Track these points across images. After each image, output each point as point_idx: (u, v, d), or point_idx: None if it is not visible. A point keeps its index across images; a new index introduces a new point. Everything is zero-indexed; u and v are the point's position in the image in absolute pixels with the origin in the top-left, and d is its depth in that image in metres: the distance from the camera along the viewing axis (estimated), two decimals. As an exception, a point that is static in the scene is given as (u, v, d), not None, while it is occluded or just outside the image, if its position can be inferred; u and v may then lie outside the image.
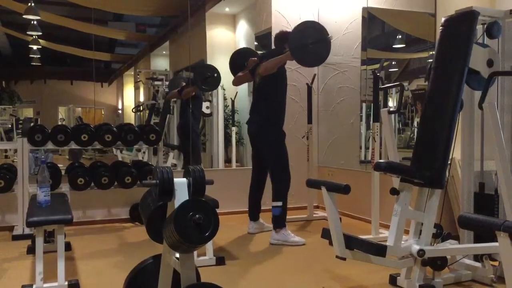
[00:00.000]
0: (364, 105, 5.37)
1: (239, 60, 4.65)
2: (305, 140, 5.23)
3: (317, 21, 4.10)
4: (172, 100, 6.43)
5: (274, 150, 4.17)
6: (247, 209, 4.47)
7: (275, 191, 4.10)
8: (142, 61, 7.54)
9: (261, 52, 5.04)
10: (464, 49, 2.73)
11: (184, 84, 5.79)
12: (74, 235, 4.25)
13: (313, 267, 3.39)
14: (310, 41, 3.85)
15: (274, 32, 5.57)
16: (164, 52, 7.37)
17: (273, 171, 4.18)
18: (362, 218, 4.90)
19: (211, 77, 5.10)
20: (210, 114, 6.26)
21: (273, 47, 4.52)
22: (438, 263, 2.70)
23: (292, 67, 5.62)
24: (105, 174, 4.61)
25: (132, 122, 6.80)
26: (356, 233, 2.91)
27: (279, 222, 4.04)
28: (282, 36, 4.29)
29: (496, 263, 2.89)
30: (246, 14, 6.59)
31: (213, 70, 5.17)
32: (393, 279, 2.90)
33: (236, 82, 4.73)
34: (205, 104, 6.17)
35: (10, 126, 6.36)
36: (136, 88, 7.33)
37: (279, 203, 4.03)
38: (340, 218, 2.66)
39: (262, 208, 4.47)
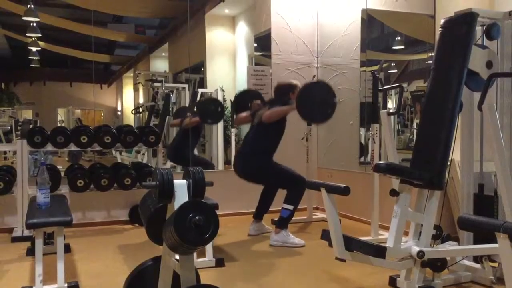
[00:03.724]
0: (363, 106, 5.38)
1: (243, 100, 4.71)
2: (305, 142, 5.23)
3: (327, 82, 4.19)
4: (172, 101, 6.44)
5: (268, 174, 4.21)
6: (247, 211, 4.47)
7: (289, 196, 4.12)
8: (141, 62, 7.55)
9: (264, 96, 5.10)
10: (464, 50, 2.74)
11: (189, 114, 5.78)
12: (74, 237, 4.24)
13: (313, 269, 3.38)
14: (318, 100, 3.89)
15: (273, 34, 5.62)
16: (163, 54, 7.38)
17: (283, 187, 4.21)
18: (362, 220, 4.90)
19: (215, 111, 5.16)
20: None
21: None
22: (438, 264, 2.69)
23: (291, 69, 5.64)
24: (105, 176, 4.61)
25: (132, 123, 6.80)
26: (355, 235, 2.91)
27: (283, 223, 4.05)
28: (285, 88, 4.31)
29: (495, 264, 2.89)
30: (246, 15, 6.60)
31: (217, 104, 5.27)
32: (392, 281, 2.90)
33: (237, 122, 4.88)
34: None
35: (9, 127, 6.36)
36: (136, 90, 7.33)
37: (290, 207, 4.05)
38: (340, 220, 2.65)
39: (270, 209, 4.46)
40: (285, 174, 4.18)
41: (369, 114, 4.26)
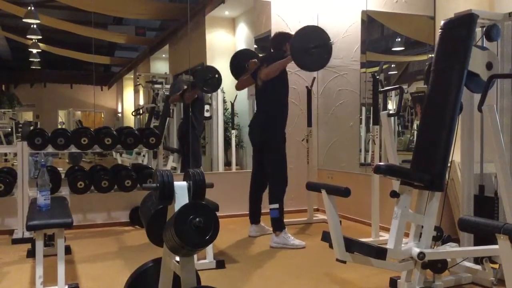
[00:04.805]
0: (363, 108, 5.38)
1: (239, 62, 4.65)
2: (305, 143, 5.24)
3: (318, 25, 4.12)
4: (173, 103, 6.44)
5: (275, 151, 4.18)
6: (248, 212, 4.46)
7: (272, 193, 4.14)
8: (141, 64, 7.55)
9: (261, 54, 5.06)
10: (464, 52, 2.74)
11: (185, 87, 5.78)
12: (74, 239, 4.24)
13: (313, 270, 3.38)
14: (312, 45, 3.86)
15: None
16: (163, 56, 7.38)
17: (271, 172, 4.20)
18: (362, 221, 4.90)
19: (212, 79, 5.10)
20: (210, 117, 6.26)
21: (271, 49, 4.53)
22: (439, 265, 2.69)
23: (291, 70, 5.62)
24: (105, 178, 4.61)
25: (132, 125, 6.80)
26: (356, 236, 2.91)
27: (278, 224, 4.05)
28: (281, 37, 4.31)
29: (496, 266, 2.89)
30: (246, 17, 6.61)
31: (214, 71, 5.18)
32: (393, 282, 2.90)
33: (239, 87, 4.71)
34: (205, 107, 6.18)
35: (10, 129, 6.37)
36: (136, 92, 7.33)
37: (276, 205, 4.05)
38: (340, 221, 2.65)
39: (262, 211, 4.46)
40: (282, 165, 4.17)
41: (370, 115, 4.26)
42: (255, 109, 4.45)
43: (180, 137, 6.01)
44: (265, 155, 4.25)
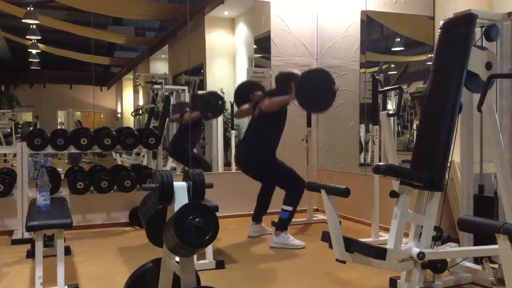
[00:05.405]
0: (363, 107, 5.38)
1: (244, 92, 4.70)
2: (305, 143, 5.24)
3: (326, 69, 4.16)
4: (172, 103, 6.43)
5: (270, 171, 4.19)
6: (248, 213, 4.46)
7: (288, 197, 4.09)
8: (141, 64, 7.56)
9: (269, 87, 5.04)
10: (463, 51, 2.74)
11: (187, 109, 5.76)
12: (74, 239, 4.24)
13: (313, 271, 3.38)
14: (317, 88, 3.87)
15: (273, 35, 5.62)
16: (163, 56, 7.38)
17: (282, 186, 4.17)
18: (362, 221, 4.90)
19: (215, 105, 5.13)
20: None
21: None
22: (438, 265, 2.69)
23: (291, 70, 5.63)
24: (105, 178, 4.61)
25: (132, 126, 6.80)
26: (356, 236, 2.91)
27: (282, 225, 4.04)
28: (285, 76, 4.29)
29: (496, 266, 2.89)
30: (245, 17, 6.61)
31: (218, 97, 5.23)
32: (393, 282, 2.90)
33: (239, 115, 4.83)
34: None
35: (9, 130, 6.36)
36: (135, 92, 7.33)
37: (289, 208, 4.04)
38: (340, 221, 2.65)
39: (268, 211, 4.45)
40: (286, 172, 4.16)
41: (369, 115, 4.26)
42: (245, 134, 4.46)
43: (172, 152, 5.98)
44: (264, 180, 4.30)
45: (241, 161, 4.25)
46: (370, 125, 4.24)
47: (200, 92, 5.91)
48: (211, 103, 5.13)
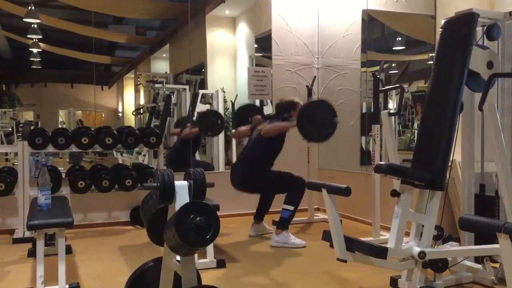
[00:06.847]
0: (364, 105, 5.38)
1: (244, 114, 4.79)
2: (306, 142, 5.23)
3: (328, 101, 4.22)
4: (173, 102, 6.44)
5: (266, 182, 4.21)
6: (248, 212, 4.47)
7: (290, 196, 4.10)
8: (142, 64, 7.56)
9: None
10: (464, 51, 2.74)
11: (189, 125, 5.77)
12: (75, 238, 4.24)
13: (314, 270, 3.38)
14: (318, 118, 3.90)
15: (274, 35, 5.61)
16: (164, 55, 7.39)
17: (285, 191, 4.16)
18: (363, 220, 4.90)
19: (215, 123, 5.18)
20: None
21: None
22: (439, 265, 2.69)
23: (292, 69, 5.64)
24: (106, 177, 4.61)
25: (133, 125, 6.81)
26: (357, 235, 2.91)
27: (283, 224, 4.04)
28: (287, 104, 4.32)
29: (497, 265, 2.89)
30: (246, 16, 6.61)
31: (218, 116, 5.27)
32: (394, 281, 2.90)
33: (236, 135, 4.91)
34: (205, 107, 6.18)
35: (10, 129, 6.37)
36: (136, 91, 7.34)
37: (291, 207, 4.04)
38: (341, 220, 2.65)
39: (269, 210, 4.45)
40: (283, 178, 4.17)
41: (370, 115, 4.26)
42: (240, 155, 4.51)
43: (169, 163, 5.98)
44: (264, 192, 4.31)
45: (235, 178, 4.24)
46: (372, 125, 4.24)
47: (200, 110, 5.97)
48: (211, 122, 5.17)
